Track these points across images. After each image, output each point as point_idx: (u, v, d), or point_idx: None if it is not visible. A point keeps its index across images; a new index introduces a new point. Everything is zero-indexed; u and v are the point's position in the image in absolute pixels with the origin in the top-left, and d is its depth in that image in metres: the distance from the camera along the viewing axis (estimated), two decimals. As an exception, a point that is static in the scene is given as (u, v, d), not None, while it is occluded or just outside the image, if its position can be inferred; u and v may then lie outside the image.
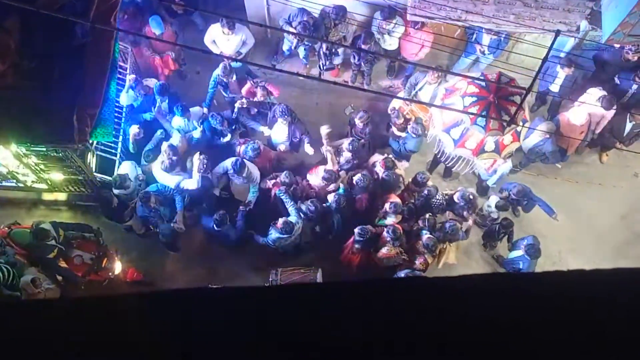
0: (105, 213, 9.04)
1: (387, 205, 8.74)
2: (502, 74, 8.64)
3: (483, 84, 8.39)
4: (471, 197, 9.11)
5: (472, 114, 8.25)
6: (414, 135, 9.26)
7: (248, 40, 10.03)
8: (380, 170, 9.16)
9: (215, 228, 8.54)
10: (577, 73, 9.83)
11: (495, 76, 8.48)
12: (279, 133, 9.51)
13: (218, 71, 9.54)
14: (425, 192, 9.04)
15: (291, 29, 9.63)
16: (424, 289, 1.49)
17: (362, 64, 10.51)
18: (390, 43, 10.13)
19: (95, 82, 7.47)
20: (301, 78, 10.30)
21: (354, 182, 8.86)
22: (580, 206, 10.34)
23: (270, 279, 8.71)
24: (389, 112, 9.88)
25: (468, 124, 8.49)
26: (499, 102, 8.25)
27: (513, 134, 8.73)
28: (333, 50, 10.39)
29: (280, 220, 8.46)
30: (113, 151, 9.39)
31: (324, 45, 10.23)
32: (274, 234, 8.53)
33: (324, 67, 10.64)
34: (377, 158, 9.45)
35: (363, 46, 9.65)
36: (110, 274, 8.82)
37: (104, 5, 7.51)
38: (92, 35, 7.48)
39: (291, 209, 8.62)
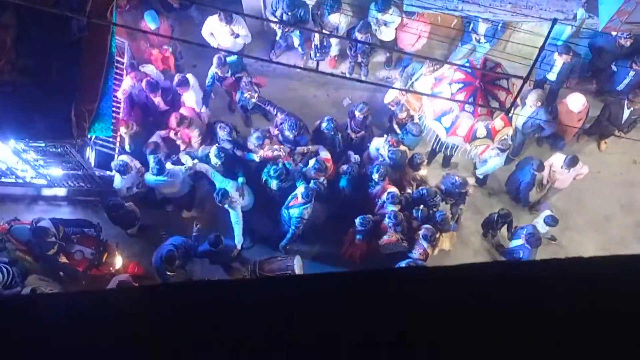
0: (113, 220, 9.04)
1: (384, 196, 8.76)
2: (488, 59, 8.67)
3: (469, 70, 8.46)
4: (456, 182, 9.10)
5: (461, 101, 8.31)
6: (411, 135, 9.31)
7: (245, 34, 10.01)
8: (385, 151, 9.15)
9: (213, 250, 8.47)
10: (574, 61, 9.81)
11: (480, 62, 8.55)
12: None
13: (214, 67, 9.54)
14: (425, 192, 8.96)
15: (274, 18, 9.73)
16: (423, 279, 1.51)
17: (359, 55, 10.49)
18: (386, 34, 10.11)
19: (92, 77, 7.45)
20: (299, 70, 10.30)
21: (373, 175, 8.89)
22: (579, 195, 10.36)
23: (249, 269, 8.69)
24: (390, 105, 9.87)
25: (457, 111, 8.56)
26: (485, 87, 8.35)
27: (504, 118, 8.77)
28: (325, 42, 10.38)
29: (299, 189, 8.53)
30: (112, 146, 9.39)
31: (317, 36, 10.24)
32: (296, 211, 8.57)
33: (316, 58, 10.63)
34: (379, 140, 9.43)
35: (359, 35, 9.63)
36: (111, 268, 8.83)
37: (100, 0, 7.49)
38: (88, 30, 7.45)
39: (300, 183, 8.73)
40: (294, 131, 9.13)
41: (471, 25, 10.05)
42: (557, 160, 9.54)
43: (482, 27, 9.88)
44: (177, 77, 9.42)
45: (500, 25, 9.70)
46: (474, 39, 10.17)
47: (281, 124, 9.36)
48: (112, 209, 8.85)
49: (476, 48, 10.36)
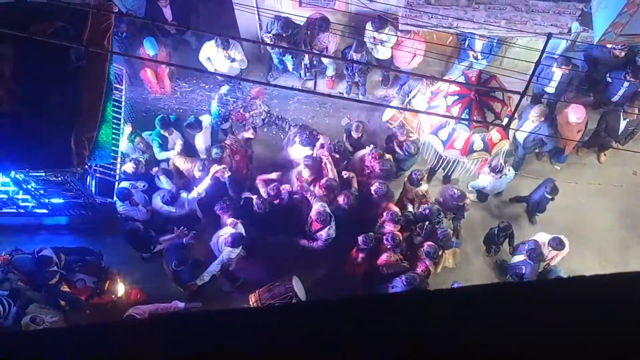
0: (132, 244, 8.93)
1: (385, 214, 8.74)
2: (483, 72, 8.73)
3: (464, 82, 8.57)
4: (453, 194, 9.14)
5: (459, 117, 8.34)
6: (406, 154, 9.35)
7: (241, 59, 10.05)
8: (374, 163, 9.18)
9: (172, 267, 8.36)
10: (572, 73, 9.85)
11: (475, 74, 8.63)
12: (296, 153, 9.54)
13: (215, 106, 9.40)
14: (428, 212, 8.94)
15: (269, 40, 9.73)
16: (428, 303, 1.50)
17: (356, 74, 10.54)
18: (383, 53, 10.16)
19: (91, 105, 7.50)
20: (296, 92, 10.34)
21: (373, 191, 8.88)
22: (581, 207, 10.34)
23: (251, 303, 8.59)
24: (389, 123, 9.90)
25: (453, 123, 8.61)
26: (480, 98, 8.38)
27: (500, 130, 8.79)
28: (314, 61, 10.44)
29: (314, 211, 8.54)
30: (112, 173, 9.40)
31: (306, 56, 10.30)
32: (323, 234, 8.60)
33: (305, 78, 10.70)
34: (364, 152, 9.45)
35: (354, 55, 9.69)
36: (113, 296, 8.80)
37: (97, 28, 7.55)
38: (86, 58, 7.51)
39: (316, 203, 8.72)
40: (306, 143, 9.20)
41: (467, 42, 10.10)
42: (541, 237, 9.22)
43: (478, 44, 9.93)
44: (190, 119, 9.40)
45: (495, 41, 9.76)
46: (471, 56, 10.21)
47: (294, 137, 9.43)
48: (130, 234, 8.73)
49: (473, 65, 10.40)
